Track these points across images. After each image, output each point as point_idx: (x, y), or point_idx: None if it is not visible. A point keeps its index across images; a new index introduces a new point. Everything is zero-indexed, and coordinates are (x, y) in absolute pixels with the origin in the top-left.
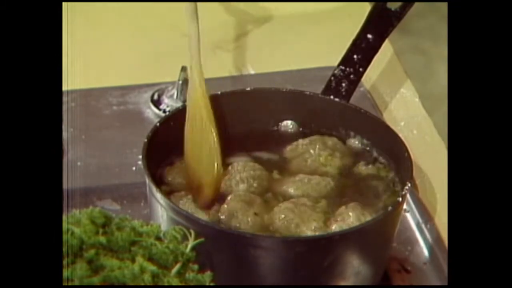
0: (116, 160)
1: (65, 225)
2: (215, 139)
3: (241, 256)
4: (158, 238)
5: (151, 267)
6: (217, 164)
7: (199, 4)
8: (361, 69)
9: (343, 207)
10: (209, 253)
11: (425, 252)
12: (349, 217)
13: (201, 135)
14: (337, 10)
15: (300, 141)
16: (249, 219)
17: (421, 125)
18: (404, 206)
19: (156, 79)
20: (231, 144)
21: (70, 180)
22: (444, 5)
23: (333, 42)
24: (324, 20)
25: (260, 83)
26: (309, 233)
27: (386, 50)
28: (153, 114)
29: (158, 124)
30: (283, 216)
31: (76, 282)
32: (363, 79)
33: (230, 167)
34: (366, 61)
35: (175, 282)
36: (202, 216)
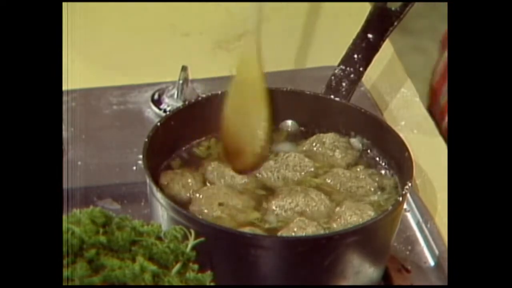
0: (116, 160)
1: (65, 225)
2: (268, 113)
3: (241, 256)
4: (158, 238)
5: (152, 267)
6: (267, 137)
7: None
8: (361, 69)
9: (343, 206)
10: (209, 253)
11: (425, 251)
12: (349, 216)
13: (253, 104)
14: (337, 10)
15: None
16: None
17: (421, 125)
18: (405, 206)
19: (156, 79)
20: None
21: (70, 180)
22: (444, 5)
23: (333, 42)
24: (324, 20)
25: None
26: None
27: (386, 49)
28: (153, 114)
29: (158, 123)
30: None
31: (77, 282)
32: (363, 78)
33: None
34: (366, 61)
35: (176, 281)
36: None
